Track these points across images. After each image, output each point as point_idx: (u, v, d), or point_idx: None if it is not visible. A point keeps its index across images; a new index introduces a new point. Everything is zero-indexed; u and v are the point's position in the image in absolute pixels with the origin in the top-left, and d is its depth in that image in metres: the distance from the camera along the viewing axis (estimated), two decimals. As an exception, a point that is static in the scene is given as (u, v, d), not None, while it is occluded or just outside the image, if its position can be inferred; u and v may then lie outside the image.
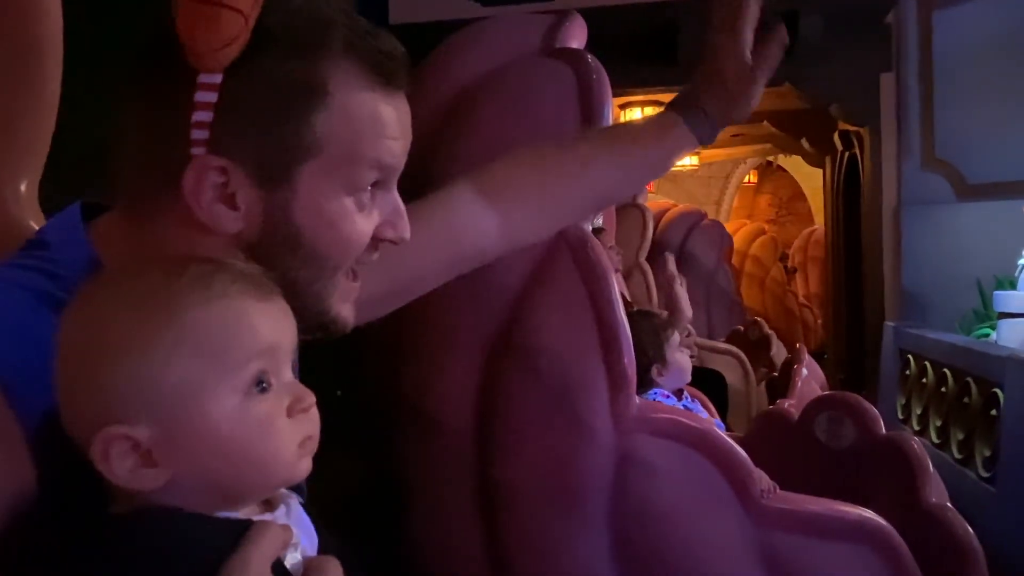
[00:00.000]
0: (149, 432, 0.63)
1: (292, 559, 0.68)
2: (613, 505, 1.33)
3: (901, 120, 4.46)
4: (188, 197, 0.77)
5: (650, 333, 2.10)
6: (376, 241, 0.86)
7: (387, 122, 0.82)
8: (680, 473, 1.34)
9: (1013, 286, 3.88)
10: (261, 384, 0.66)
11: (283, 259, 0.80)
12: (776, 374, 4.55)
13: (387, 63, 0.82)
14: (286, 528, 0.68)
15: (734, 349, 4.46)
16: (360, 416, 1.61)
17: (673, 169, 8.89)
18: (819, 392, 3.55)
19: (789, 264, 9.24)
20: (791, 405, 3.02)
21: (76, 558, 0.62)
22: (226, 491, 0.66)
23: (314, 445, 0.70)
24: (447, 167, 1.31)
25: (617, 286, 1.33)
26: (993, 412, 2.81)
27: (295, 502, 0.73)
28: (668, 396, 2.31)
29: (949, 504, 1.79)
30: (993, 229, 4.22)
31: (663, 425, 1.35)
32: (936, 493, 1.87)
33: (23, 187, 1.06)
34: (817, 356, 4.58)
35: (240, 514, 0.68)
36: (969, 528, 1.69)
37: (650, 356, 2.08)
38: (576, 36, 1.53)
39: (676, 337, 2.18)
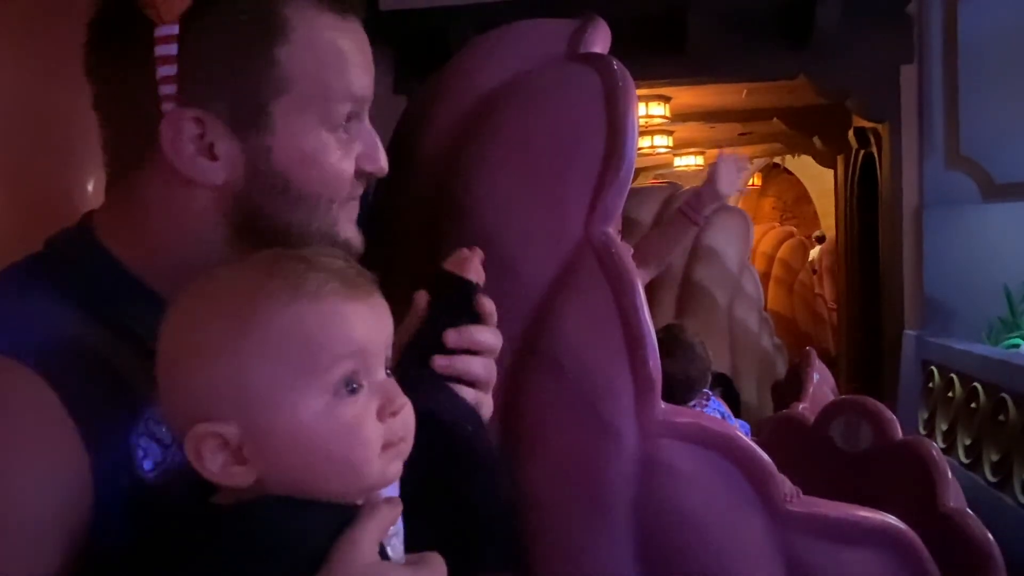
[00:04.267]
0: (238, 430, 0.65)
1: (395, 549, 0.70)
2: (637, 509, 1.33)
3: (923, 115, 4.24)
4: (168, 154, 0.78)
5: (695, 358, 2.09)
6: (360, 172, 0.86)
7: (349, 51, 0.83)
8: (705, 477, 1.36)
9: (1045, 293, 3.65)
10: (351, 385, 0.67)
11: (273, 205, 0.81)
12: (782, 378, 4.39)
13: None
14: (392, 501, 0.69)
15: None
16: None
17: (677, 169, 8.82)
18: (831, 396, 3.50)
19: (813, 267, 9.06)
20: (805, 408, 3.06)
21: (192, 548, 0.64)
22: (313, 492, 0.66)
23: (406, 448, 0.70)
24: (471, 170, 1.33)
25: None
26: (1036, 433, 2.58)
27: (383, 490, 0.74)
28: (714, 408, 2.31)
29: (968, 509, 1.77)
30: (1022, 231, 3.98)
31: (688, 429, 1.37)
32: (954, 498, 1.84)
33: (90, 186, 1.07)
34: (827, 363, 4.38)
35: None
36: (987, 532, 1.68)
37: (698, 384, 2.10)
38: (600, 41, 1.54)
39: (709, 353, 2.18)
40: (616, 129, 1.35)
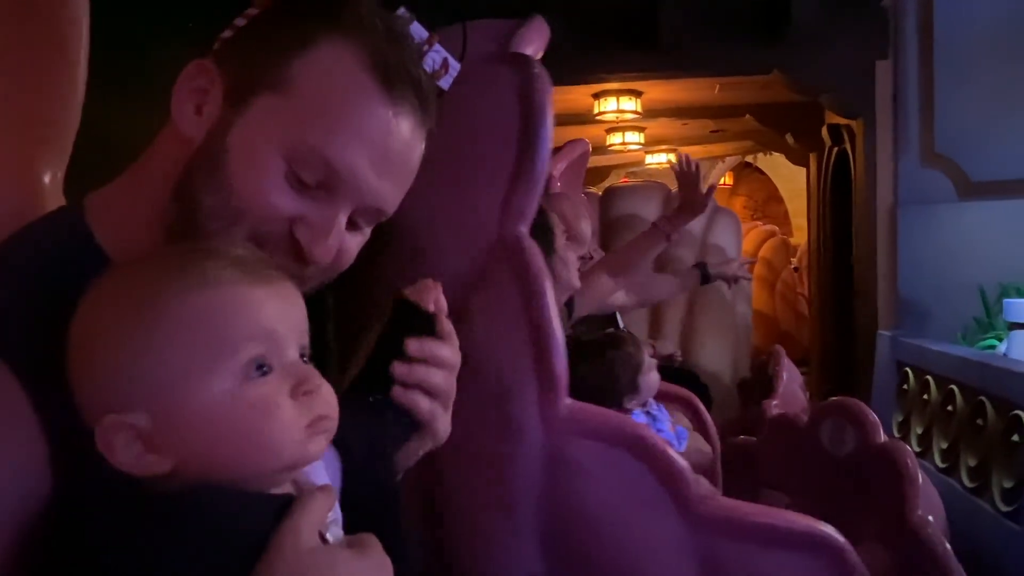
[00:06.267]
0: (147, 419, 0.65)
1: (334, 534, 0.70)
2: (543, 507, 1.37)
3: (898, 112, 4.17)
4: (174, 91, 0.81)
5: (622, 363, 2.07)
6: (292, 236, 0.81)
7: (363, 119, 0.80)
8: (610, 475, 1.38)
9: (1020, 293, 3.60)
10: (262, 368, 0.67)
11: (200, 177, 0.79)
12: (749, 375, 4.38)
13: (391, 66, 0.81)
14: (326, 489, 0.71)
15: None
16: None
17: (649, 166, 8.73)
18: (800, 394, 3.59)
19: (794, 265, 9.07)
20: (776, 406, 3.15)
21: (129, 539, 0.63)
22: (233, 474, 0.66)
23: (329, 424, 0.70)
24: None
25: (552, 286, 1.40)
26: (1016, 438, 2.49)
27: (315, 472, 0.75)
28: (641, 415, 2.23)
29: (932, 519, 1.78)
30: (998, 231, 3.94)
31: (594, 426, 1.39)
32: (926, 507, 1.85)
33: (47, 178, 1.06)
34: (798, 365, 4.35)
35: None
36: (947, 546, 1.69)
37: (623, 388, 2.07)
38: (533, 40, 1.57)
39: (647, 359, 2.13)
40: (529, 130, 1.38)
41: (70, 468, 0.71)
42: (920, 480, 1.90)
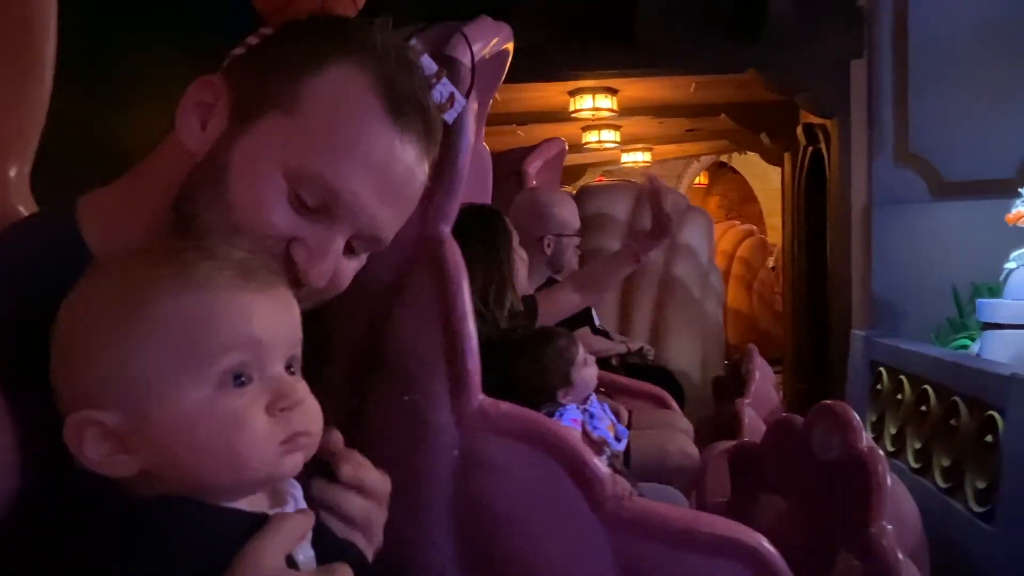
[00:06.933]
0: (119, 419, 0.64)
1: (305, 553, 0.69)
2: (456, 505, 1.37)
3: (872, 111, 4.18)
4: (180, 104, 0.81)
5: (554, 358, 2.07)
6: (288, 257, 0.81)
7: (369, 143, 0.80)
8: (523, 473, 1.39)
9: (993, 293, 3.59)
10: (240, 378, 0.66)
11: (201, 190, 0.80)
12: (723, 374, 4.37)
13: (401, 93, 0.82)
14: (305, 512, 0.70)
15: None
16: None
17: (625, 165, 8.71)
18: (774, 393, 3.63)
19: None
20: (749, 404, 3.24)
21: (95, 544, 0.62)
22: (200, 483, 0.65)
23: (308, 442, 0.69)
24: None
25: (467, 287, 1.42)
26: (989, 439, 2.48)
27: (298, 495, 0.73)
28: (576, 410, 2.20)
29: (890, 528, 1.75)
30: (971, 231, 3.94)
31: (507, 424, 1.40)
32: (896, 516, 1.82)
33: (12, 172, 1.04)
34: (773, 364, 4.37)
35: (247, 506, 0.68)
36: (900, 557, 1.67)
37: (555, 382, 2.05)
38: (477, 39, 1.55)
39: (580, 354, 2.10)
40: (449, 131, 1.35)
41: (41, 469, 0.70)
42: (887, 488, 1.85)
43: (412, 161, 0.83)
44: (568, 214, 3.02)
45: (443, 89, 0.92)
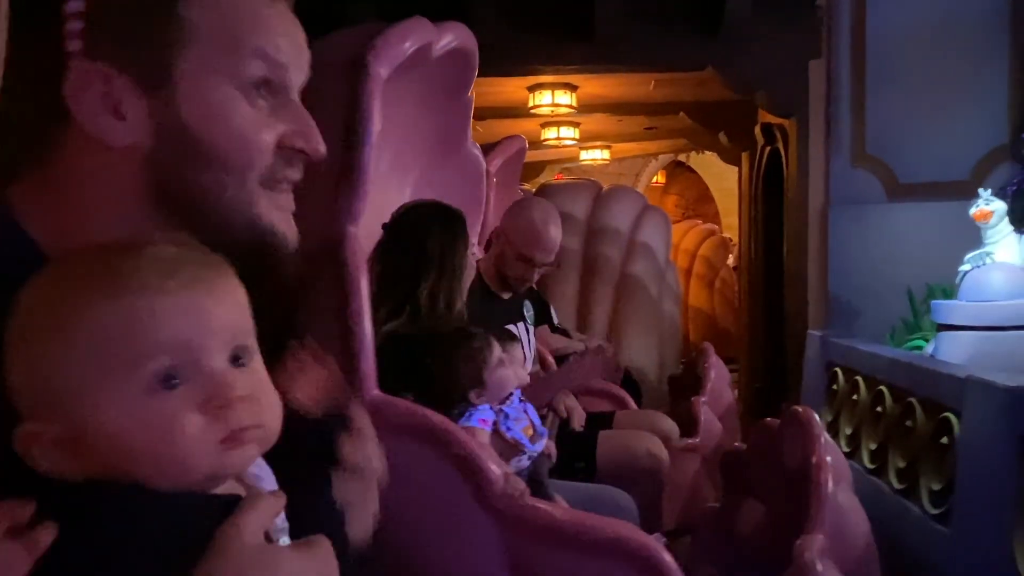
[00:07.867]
0: (59, 429, 0.64)
1: (280, 531, 0.70)
2: None
3: (830, 112, 4.18)
4: (72, 109, 0.77)
5: (465, 359, 2.05)
6: (289, 152, 0.84)
7: (264, 13, 0.82)
8: (414, 470, 1.39)
9: (947, 295, 3.61)
10: (171, 381, 0.65)
11: (184, 167, 0.79)
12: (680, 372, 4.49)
13: None
14: (276, 493, 0.71)
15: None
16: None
17: (584, 163, 8.69)
18: (728, 391, 3.66)
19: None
20: (704, 402, 3.28)
21: (64, 529, 0.61)
22: (152, 483, 0.64)
23: (260, 434, 0.68)
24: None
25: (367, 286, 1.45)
26: (944, 440, 2.48)
27: (268, 477, 0.74)
28: (488, 411, 2.14)
29: (821, 537, 1.75)
30: (925, 233, 3.97)
31: (397, 421, 1.42)
32: (838, 527, 1.81)
33: None
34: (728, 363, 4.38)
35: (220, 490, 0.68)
36: (819, 569, 1.65)
37: (466, 383, 2.03)
38: (407, 37, 1.60)
39: (495, 355, 2.07)
40: (352, 128, 1.42)
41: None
42: (827, 501, 1.86)
43: (289, 14, 0.87)
44: (555, 243, 2.90)
45: None
